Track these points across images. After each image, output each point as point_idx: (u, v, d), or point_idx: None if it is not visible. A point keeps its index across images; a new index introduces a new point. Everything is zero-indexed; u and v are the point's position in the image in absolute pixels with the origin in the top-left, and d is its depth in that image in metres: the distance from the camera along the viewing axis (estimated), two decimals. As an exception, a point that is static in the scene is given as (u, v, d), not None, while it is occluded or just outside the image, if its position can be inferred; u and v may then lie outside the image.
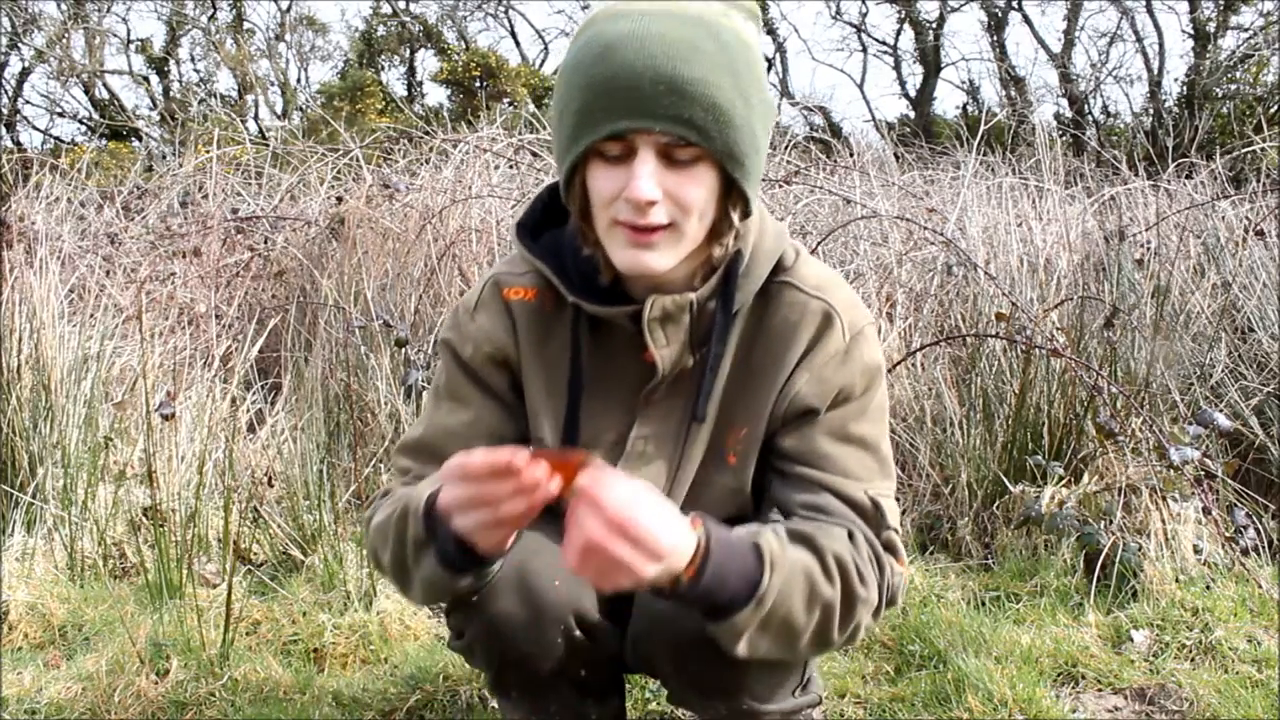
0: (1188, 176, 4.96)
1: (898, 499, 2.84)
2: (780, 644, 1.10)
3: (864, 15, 20.54)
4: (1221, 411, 2.72)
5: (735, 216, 1.14)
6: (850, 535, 1.14)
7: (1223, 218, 3.98)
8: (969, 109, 17.00)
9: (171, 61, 17.79)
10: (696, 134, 1.05)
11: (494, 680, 1.29)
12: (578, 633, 1.22)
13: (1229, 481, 2.62)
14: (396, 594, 2.29)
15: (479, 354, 1.26)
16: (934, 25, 17.51)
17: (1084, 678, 2.00)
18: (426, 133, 5.01)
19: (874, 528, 1.17)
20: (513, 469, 0.92)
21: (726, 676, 1.21)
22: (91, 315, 3.12)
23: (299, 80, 19.51)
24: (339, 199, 4.12)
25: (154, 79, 17.84)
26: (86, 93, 16.93)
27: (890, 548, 1.18)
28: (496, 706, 1.41)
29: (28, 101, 17.60)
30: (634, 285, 1.20)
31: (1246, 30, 13.82)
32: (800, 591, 1.07)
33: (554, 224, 1.26)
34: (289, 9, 18.84)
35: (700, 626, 1.11)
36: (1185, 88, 13.55)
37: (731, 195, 1.12)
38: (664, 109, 1.03)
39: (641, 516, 0.94)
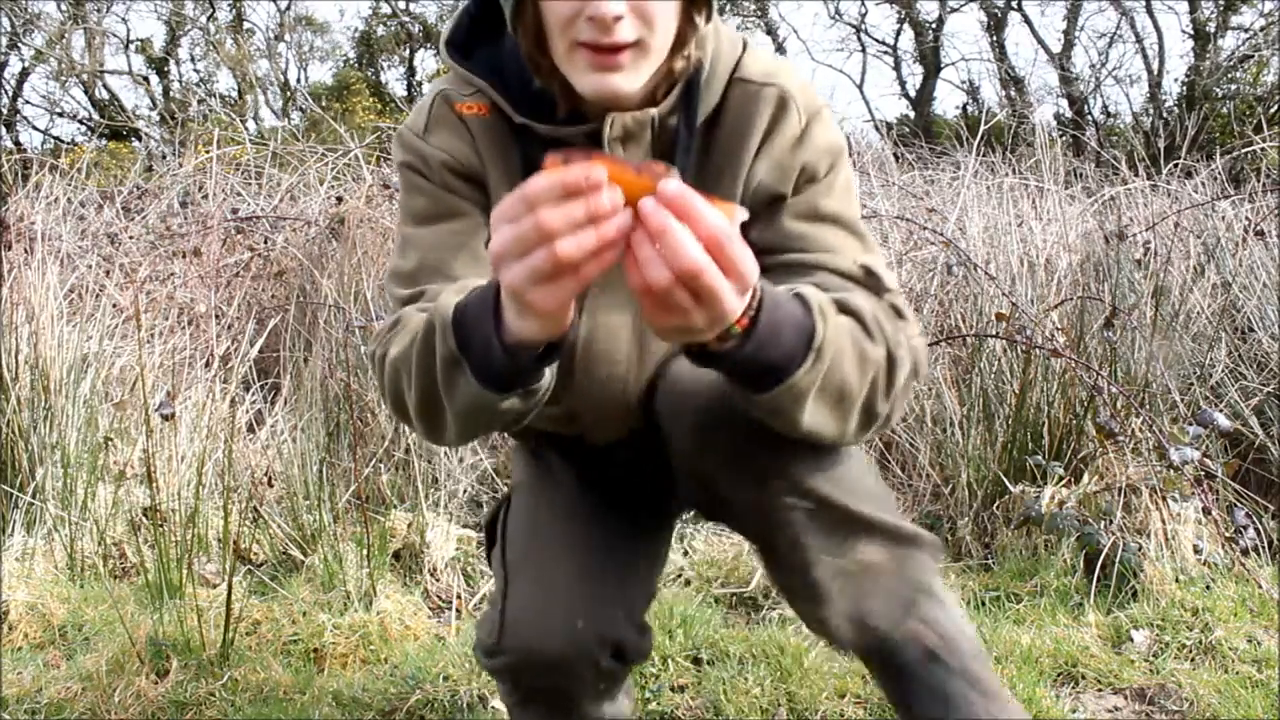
0: (1187, 176, 4.95)
1: (898, 497, 2.85)
2: (835, 415, 0.98)
3: (863, 15, 20.54)
4: (1221, 411, 2.72)
5: (700, 21, 1.06)
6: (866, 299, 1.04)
7: (1223, 218, 3.97)
8: (969, 109, 17.01)
9: (171, 61, 17.80)
10: None
11: (519, 701, 1.30)
12: (605, 663, 1.21)
13: (1229, 481, 2.61)
14: (397, 593, 2.29)
15: (444, 171, 1.15)
16: (934, 25, 17.52)
17: (1084, 678, 2.00)
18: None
19: (875, 294, 1.07)
20: (590, 183, 0.75)
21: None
22: (91, 315, 3.12)
23: (299, 80, 19.53)
24: (339, 199, 4.12)
25: (154, 79, 17.85)
26: (86, 93, 16.94)
27: (898, 311, 1.07)
28: (506, 715, 1.41)
29: (28, 101, 17.57)
30: (590, 103, 1.09)
31: (1246, 30, 13.84)
32: (850, 349, 0.96)
33: (487, 40, 1.15)
34: (288, 9, 18.86)
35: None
36: (1185, 88, 13.55)
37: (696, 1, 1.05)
38: None
39: (733, 234, 0.78)
